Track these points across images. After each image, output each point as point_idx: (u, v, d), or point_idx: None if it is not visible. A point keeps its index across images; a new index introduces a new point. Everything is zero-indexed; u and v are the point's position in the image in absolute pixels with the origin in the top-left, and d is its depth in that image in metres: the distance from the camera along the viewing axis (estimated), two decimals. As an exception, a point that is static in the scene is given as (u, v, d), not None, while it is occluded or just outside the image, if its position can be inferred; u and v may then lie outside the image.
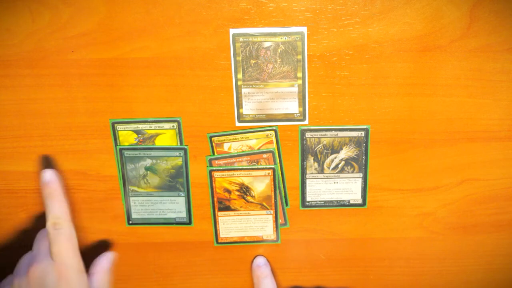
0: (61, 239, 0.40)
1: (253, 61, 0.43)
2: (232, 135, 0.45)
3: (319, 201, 0.48)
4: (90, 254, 0.44)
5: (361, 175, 0.47)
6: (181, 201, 0.47)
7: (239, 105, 0.44)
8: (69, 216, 0.41)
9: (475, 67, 0.43)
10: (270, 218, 0.48)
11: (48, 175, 0.42)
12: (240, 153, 0.46)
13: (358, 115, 0.45)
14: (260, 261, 0.49)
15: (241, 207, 0.47)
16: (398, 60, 0.43)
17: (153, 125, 0.45)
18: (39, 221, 0.49)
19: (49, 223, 0.40)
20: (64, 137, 0.45)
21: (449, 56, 0.43)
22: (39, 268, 0.39)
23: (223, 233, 0.48)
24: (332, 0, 0.41)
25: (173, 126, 0.45)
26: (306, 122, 0.45)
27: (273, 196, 0.47)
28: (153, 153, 0.46)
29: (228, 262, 0.50)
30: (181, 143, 0.46)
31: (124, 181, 0.47)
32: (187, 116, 0.45)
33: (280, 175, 0.47)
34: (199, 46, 0.42)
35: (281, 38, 0.42)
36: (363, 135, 0.45)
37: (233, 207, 0.47)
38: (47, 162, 0.47)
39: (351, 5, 0.41)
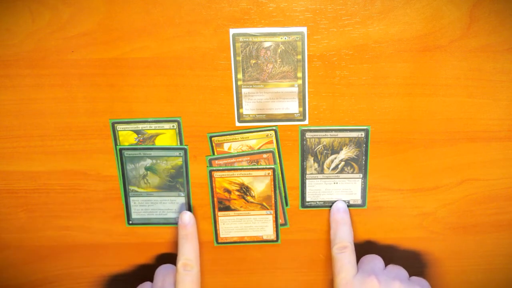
0: (188, 281, 0.42)
1: (253, 61, 0.43)
2: (232, 135, 0.45)
3: (319, 201, 0.48)
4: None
5: (361, 175, 0.47)
6: (181, 201, 0.47)
7: (239, 105, 0.44)
8: (199, 260, 0.44)
9: (475, 67, 0.43)
10: (270, 218, 0.48)
11: (187, 217, 0.45)
12: (240, 153, 0.46)
13: (358, 115, 0.45)
14: (341, 206, 0.47)
15: (241, 207, 0.47)
16: (398, 60, 0.43)
17: (153, 125, 0.45)
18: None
19: (180, 263, 0.43)
20: (64, 137, 0.45)
21: (449, 56, 0.43)
22: None
23: (223, 233, 0.48)
24: (332, 0, 0.41)
25: (173, 126, 0.45)
26: (306, 122, 0.45)
27: (273, 196, 0.47)
28: (153, 153, 0.46)
29: (228, 262, 0.50)
30: (181, 143, 0.46)
31: (124, 181, 0.47)
32: (187, 116, 0.45)
33: (280, 175, 0.47)
34: (199, 46, 0.42)
35: (281, 38, 0.42)
36: (363, 135, 0.45)
37: (233, 207, 0.47)
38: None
39: (351, 5, 0.41)
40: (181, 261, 0.43)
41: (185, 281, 0.42)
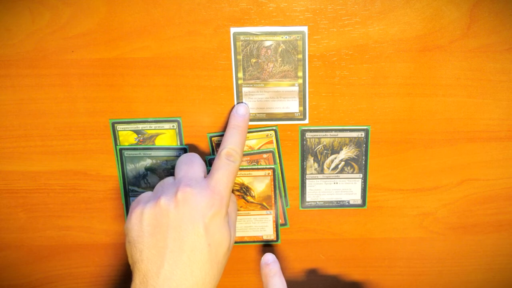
0: (229, 170, 0.40)
1: (254, 60, 0.43)
2: (232, 135, 0.45)
3: (319, 201, 0.48)
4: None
5: (361, 175, 0.47)
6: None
7: (239, 105, 0.44)
8: (242, 155, 0.41)
9: (475, 67, 0.43)
10: (270, 218, 0.48)
11: (243, 109, 0.43)
12: (240, 153, 0.46)
13: (358, 115, 0.45)
14: (268, 258, 0.45)
15: (241, 207, 0.47)
16: (398, 60, 0.43)
17: (153, 125, 0.45)
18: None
19: (224, 151, 0.40)
20: (64, 137, 0.45)
21: (449, 56, 0.43)
22: (189, 190, 0.38)
23: (223, 233, 0.48)
24: (332, 0, 0.41)
25: (173, 126, 0.45)
26: (307, 121, 0.45)
27: (273, 196, 0.47)
28: (153, 153, 0.46)
29: (228, 262, 0.50)
30: (181, 143, 0.46)
31: (124, 181, 0.47)
32: (187, 116, 0.45)
33: (280, 175, 0.47)
34: (199, 46, 0.42)
35: (282, 37, 0.42)
36: (363, 135, 0.45)
37: (233, 207, 0.47)
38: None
39: (351, 5, 0.41)
40: (226, 149, 0.40)
41: (224, 169, 0.39)
